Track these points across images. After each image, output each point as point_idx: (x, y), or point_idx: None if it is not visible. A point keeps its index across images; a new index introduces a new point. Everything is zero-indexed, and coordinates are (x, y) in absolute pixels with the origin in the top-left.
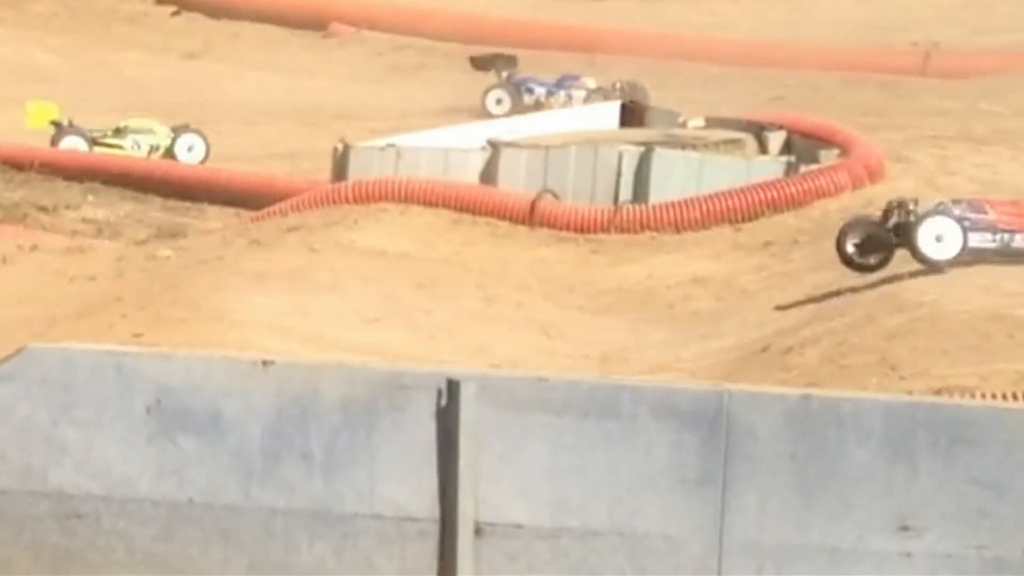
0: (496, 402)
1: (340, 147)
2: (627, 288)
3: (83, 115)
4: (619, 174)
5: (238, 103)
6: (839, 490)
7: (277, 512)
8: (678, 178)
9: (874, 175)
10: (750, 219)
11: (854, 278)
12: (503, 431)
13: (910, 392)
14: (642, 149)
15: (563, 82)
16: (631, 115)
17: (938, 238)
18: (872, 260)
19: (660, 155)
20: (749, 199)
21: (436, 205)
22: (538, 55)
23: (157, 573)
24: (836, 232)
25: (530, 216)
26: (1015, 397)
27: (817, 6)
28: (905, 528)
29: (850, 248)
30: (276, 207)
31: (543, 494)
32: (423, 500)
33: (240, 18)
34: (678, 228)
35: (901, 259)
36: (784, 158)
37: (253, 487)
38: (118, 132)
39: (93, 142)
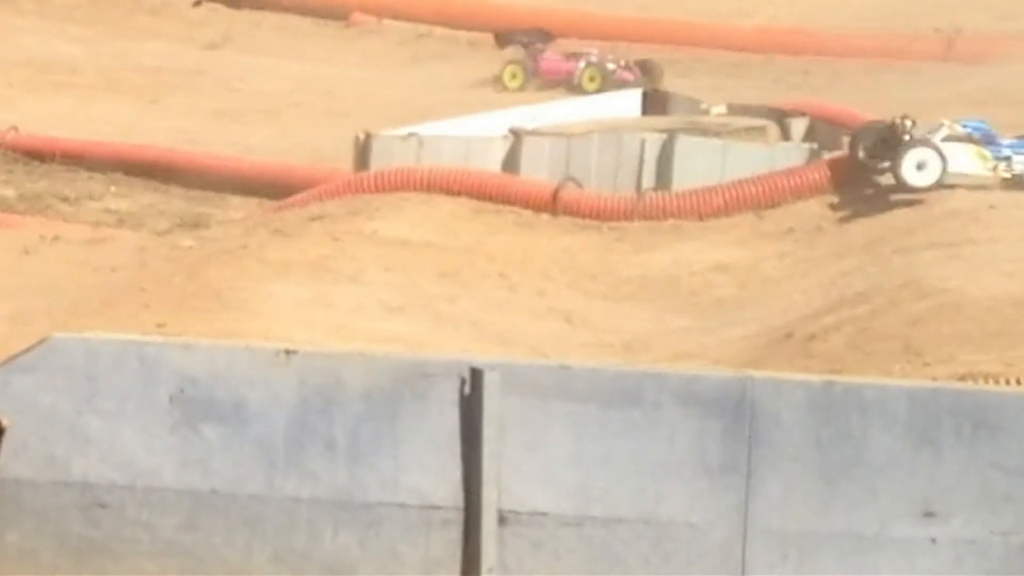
0: (519, 390)
1: (362, 136)
2: (650, 276)
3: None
4: (642, 161)
5: (260, 93)
6: (863, 476)
7: (301, 501)
8: (701, 165)
9: None
10: (773, 206)
11: (878, 264)
12: (526, 419)
13: (934, 378)
14: (665, 136)
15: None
16: (653, 102)
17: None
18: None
19: (683, 142)
20: (772, 186)
21: (458, 194)
22: (559, 43)
23: (181, 563)
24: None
25: (553, 204)
26: None
27: None
28: (930, 514)
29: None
30: (299, 197)
31: (567, 482)
32: (447, 488)
33: (262, 8)
34: (701, 215)
35: (926, 245)
36: (807, 145)
37: (277, 476)
38: None
39: None
